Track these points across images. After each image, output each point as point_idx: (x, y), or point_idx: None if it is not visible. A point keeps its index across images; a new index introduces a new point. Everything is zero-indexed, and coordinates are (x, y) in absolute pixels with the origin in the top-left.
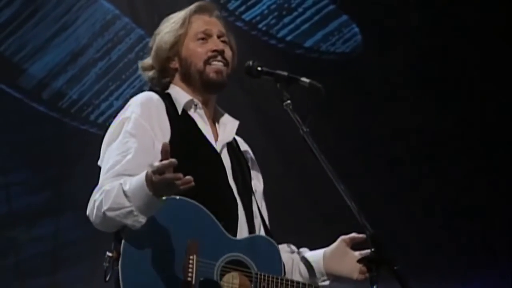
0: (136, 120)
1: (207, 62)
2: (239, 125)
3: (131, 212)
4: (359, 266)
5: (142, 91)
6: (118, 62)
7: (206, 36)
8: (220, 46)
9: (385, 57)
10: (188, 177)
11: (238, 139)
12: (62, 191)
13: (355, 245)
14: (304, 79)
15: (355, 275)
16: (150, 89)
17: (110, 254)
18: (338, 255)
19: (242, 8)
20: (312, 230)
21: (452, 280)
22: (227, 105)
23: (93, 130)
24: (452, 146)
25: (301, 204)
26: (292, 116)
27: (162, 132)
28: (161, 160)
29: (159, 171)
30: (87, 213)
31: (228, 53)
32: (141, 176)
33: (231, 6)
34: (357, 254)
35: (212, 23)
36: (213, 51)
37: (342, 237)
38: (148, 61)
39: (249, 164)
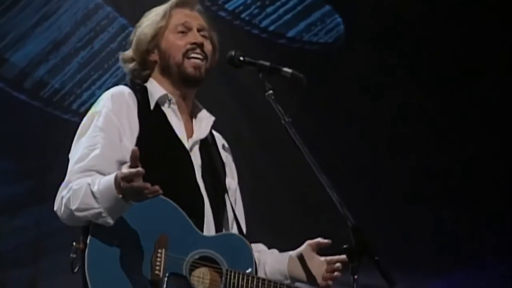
0: (106, 114)
1: (185, 55)
2: (220, 118)
3: (99, 213)
4: (322, 271)
5: (125, 80)
6: (100, 52)
7: (186, 29)
8: (199, 39)
9: (367, 46)
10: (155, 186)
11: (216, 135)
12: (45, 181)
13: (321, 250)
14: (286, 69)
15: (318, 280)
16: (131, 81)
17: (76, 245)
18: (303, 260)
19: None
20: (294, 221)
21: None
22: (209, 95)
23: (75, 119)
24: (441, 134)
25: (283, 196)
26: (274, 106)
27: (131, 128)
28: (131, 166)
29: (126, 179)
30: (55, 208)
31: (208, 47)
32: (110, 178)
33: None
34: (322, 259)
35: (193, 17)
36: (192, 44)
37: (308, 241)
38: (129, 53)
39: (224, 160)
